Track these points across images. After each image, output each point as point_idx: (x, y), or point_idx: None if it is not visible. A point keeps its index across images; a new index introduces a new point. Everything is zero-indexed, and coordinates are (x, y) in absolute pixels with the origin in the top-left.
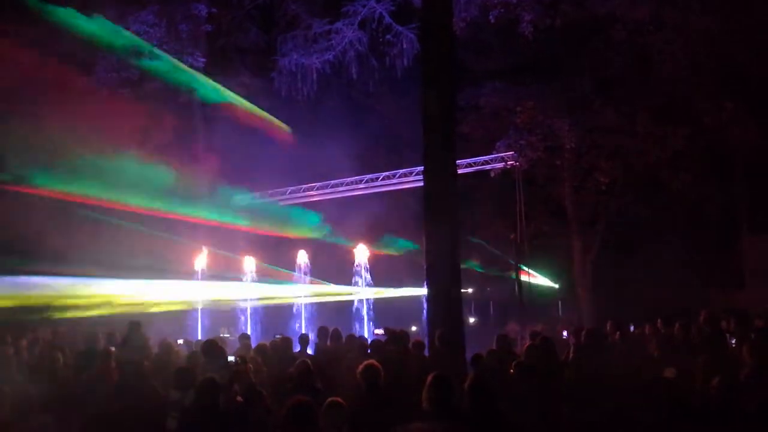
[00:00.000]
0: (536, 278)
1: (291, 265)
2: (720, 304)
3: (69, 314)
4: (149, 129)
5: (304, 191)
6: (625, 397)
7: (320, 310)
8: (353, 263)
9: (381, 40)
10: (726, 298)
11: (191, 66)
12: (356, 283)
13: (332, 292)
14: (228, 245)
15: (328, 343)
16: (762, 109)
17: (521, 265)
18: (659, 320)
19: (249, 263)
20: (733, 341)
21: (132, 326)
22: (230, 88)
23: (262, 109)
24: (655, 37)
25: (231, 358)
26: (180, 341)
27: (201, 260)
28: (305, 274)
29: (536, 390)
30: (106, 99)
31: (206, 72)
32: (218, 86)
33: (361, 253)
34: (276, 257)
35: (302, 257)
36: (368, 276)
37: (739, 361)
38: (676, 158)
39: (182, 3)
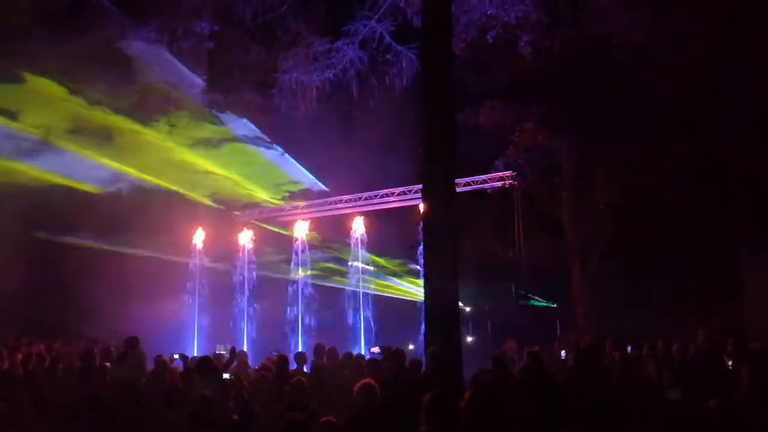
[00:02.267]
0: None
1: None
2: (719, 325)
3: None
4: None
5: (301, 208)
6: (622, 416)
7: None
8: None
9: (381, 59)
10: (724, 319)
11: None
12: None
13: None
14: None
15: (324, 360)
16: (761, 128)
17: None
18: (659, 341)
19: None
20: (730, 363)
21: (128, 342)
22: (231, 103)
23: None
24: (652, 56)
25: (226, 376)
26: (176, 356)
27: None
28: None
29: (534, 409)
30: None
31: (207, 88)
32: None
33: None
34: None
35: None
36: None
37: (736, 382)
38: (674, 177)
39: (184, 20)
